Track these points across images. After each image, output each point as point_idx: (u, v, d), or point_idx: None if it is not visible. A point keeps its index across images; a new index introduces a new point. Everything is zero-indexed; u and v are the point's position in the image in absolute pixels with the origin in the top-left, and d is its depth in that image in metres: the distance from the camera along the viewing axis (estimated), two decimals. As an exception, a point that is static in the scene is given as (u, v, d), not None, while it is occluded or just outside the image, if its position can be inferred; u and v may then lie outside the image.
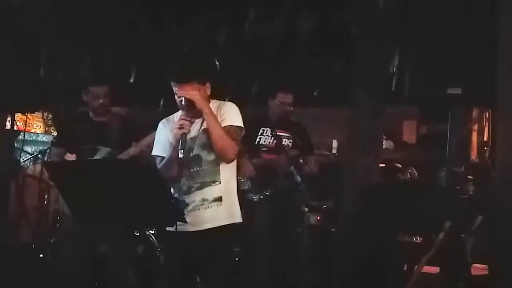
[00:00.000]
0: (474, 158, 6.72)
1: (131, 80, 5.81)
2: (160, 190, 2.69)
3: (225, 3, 5.63)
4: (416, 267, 3.89)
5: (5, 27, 5.28)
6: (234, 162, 3.16)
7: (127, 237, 4.18)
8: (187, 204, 3.06)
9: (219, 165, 3.09)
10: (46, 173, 5.24)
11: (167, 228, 3.00)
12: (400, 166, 6.01)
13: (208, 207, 3.07)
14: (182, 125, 2.94)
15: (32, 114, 7.02)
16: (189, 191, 3.08)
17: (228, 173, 3.14)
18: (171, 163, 3.01)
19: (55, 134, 4.73)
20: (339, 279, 4.59)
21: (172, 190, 2.98)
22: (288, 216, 4.42)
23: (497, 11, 3.48)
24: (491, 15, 3.56)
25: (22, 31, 5.38)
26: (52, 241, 5.36)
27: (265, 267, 4.38)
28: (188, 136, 3.03)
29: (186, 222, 2.82)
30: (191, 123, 3.00)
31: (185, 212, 2.96)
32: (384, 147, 5.44)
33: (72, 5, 5.70)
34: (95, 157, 3.98)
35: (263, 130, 4.50)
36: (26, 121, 6.61)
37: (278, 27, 5.63)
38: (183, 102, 3.01)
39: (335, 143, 6.81)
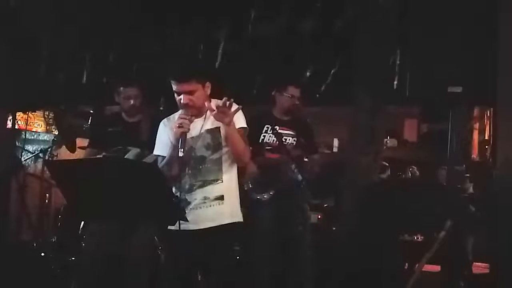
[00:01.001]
0: (475, 156, 6.72)
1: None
2: (161, 189, 2.69)
3: (227, 2, 5.64)
4: (417, 265, 3.89)
5: (7, 27, 5.29)
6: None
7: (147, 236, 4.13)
8: (189, 203, 3.07)
9: (221, 164, 3.10)
10: (47, 172, 5.25)
11: (169, 227, 3.01)
12: (400, 165, 6.01)
13: (210, 206, 3.08)
14: (181, 123, 2.95)
15: (33, 113, 7.03)
16: (191, 189, 3.09)
17: (230, 171, 3.15)
18: (172, 162, 3.02)
19: (89, 136, 4.69)
20: (340, 278, 4.59)
21: (173, 189, 2.98)
22: (289, 214, 4.41)
23: (498, 10, 3.48)
24: (491, 13, 3.56)
25: (24, 30, 5.40)
26: (53, 239, 5.37)
27: (266, 265, 4.38)
28: (189, 136, 3.04)
29: (187, 220, 2.83)
30: (191, 121, 3.00)
31: (186, 211, 2.97)
32: (388, 145, 5.44)
33: (74, 4, 5.72)
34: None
35: (267, 127, 4.48)
36: (27, 120, 6.62)
37: (279, 26, 5.63)
38: (182, 101, 3.02)
39: (336, 142, 6.82)
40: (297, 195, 4.40)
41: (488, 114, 6.54)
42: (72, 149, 5.55)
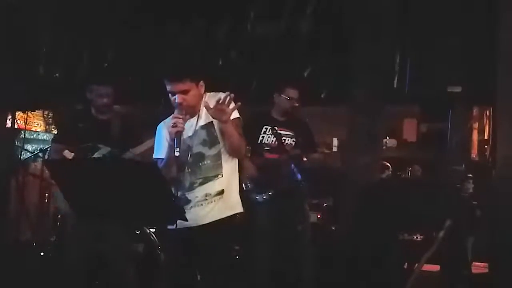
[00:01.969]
0: (474, 156, 6.72)
1: (134, 79, 5.80)
2: (161, 189, 2.69)
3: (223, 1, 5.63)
4: (416, 265, 3.89)
5: (5, 27, 5.29)
6: None
7: (126, 235, 4.18)
8: (189, 201, 3.07)
9: (221, 158, 3.10)
10: (46, 171, 5.25)
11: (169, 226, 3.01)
12: (400, 165, 6.01)
13: (212, 201, 3.07)
14: (175, 123, 2.94)
15: (32, 112, 7.02)
16: (191, 188, 3.09)
17: (230, 165, 3.14)
18: (169, 162, 3.02)
19: (56, 130, 4.71)
20: (339, 277, 4.59)
21: (173, 189, 2.98)
22: (289, 214, 4.42)
23: (497, 10, 3.48)
24: (491, 13, 3.56)
25: (22, 30, 5.39)
26: (53, 239, 5.37)
27: (266, 265, 4.39)
28: (186, 135, 3.03)
29: (186, 220, 2.83)
30: (185, 120, 2.99)
31: (186, 209, 2.97)
32: (388, 145, 5.45)
33: (71, 3, 5.71)
34: (94, 156, 3.97)
35: (266, 128, 4.49)
36: (26, 119, 6.62)
37: (279, 25, 5.63)
38: (177, 101, 3.01)
39: (335, 142, 6.82)
40: (296, 195, 4.40)
41: (488, 114, 6.54)
42: (71, 148, 5.54)
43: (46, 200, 5.97)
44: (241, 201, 3.22)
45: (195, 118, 3.10)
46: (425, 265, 3.84)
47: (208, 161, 3.09)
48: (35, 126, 7.29)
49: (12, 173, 5.82)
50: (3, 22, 5.56)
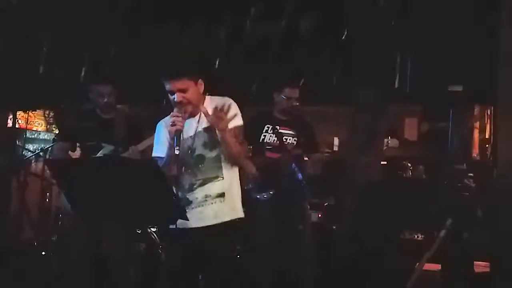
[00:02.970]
0: (475, 155, 6.72)
1: (138, 78, 5.81)
2: (162, 188, 2.69)
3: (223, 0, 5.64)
4: (417, 264, 3.89)
5: (6, 26, 5.29)
6: None
7: (128, 235, 4.18)
8: (190, 202, 3.07)
9: (221, 161, 3.10)
10: (48, 171, 5.26)
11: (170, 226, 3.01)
12: (401, 164, 6.01)
13: (212, 203, 3.08)
14: (174, 122, 2.94)
15: (33, 112, 7.03)
16: (191, 188, 3.09)
17: (230, 168, 3.14)
18: (169, 160, 3.02)
19: (60, 129, 4.72)
20: (340, 276, 4.59)
21: (173, 188, 2.98)
22: (289, 213, 4.42)
23: (498, 8, 3.47)
24: (492, 12, 3.55)
25: (23, 29, 5.39)
26: (54, 238, 5.37)
27: (267, 264, 4.39)
28: (186, 135, 3.03)
29: (187, 219, 2.83)
30: (184, 119, 2.99)
31: (187, 209, 2.97)
32: (390, 145, 5.44)
33: (72, 2, 5.71)
34: (98, 155, 3.98)
35: (268, 127, 4.49)
36: (27, 119, 6.62)
37: (280, 24, 5.63)
38: (175, 99, 3.01)
39: (336, 141, 6.82)
40: (297, 194, 4.40)
41: (489, 113, 6.54)
42: (72, 148, 5.54)
43: (47, 200, 5.98)
44: (242, 200, 3.22)
45: (196, 118, 3.10)
46: (426, 264, 3.84)
47: (208, 163, 3.09)
48: (36, 126, 7.29)
49: (13, 172, 5.82)
50: (3, 22, 5.56)
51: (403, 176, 5.95)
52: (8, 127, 6.23)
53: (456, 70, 3.72)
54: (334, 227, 5.44)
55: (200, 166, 3.09)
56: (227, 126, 2.95)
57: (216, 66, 5.69)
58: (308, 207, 4.58)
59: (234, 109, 3.07)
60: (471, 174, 4.96)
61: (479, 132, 6.80)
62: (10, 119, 6.16)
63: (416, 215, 4.13)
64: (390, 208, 4.23)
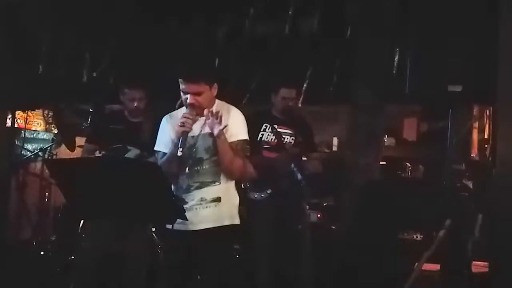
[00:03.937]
0: (474, 155, 6.72)
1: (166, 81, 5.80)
2: (161, 188, 2.69)
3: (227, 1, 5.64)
4: (416, 264, 3.89)
5: (7, 26, 5.28)
6: None
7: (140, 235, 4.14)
8: (186, 202, 3.07)
9: (219, 166, 3.09)
10: (47, 171, 5.25)
11: (166, 226, 3.02)
12: (400, 164, 6.01)
13: (206, 207, 3.07)
14: (183, 123, 2.94)
15: (32, 112, 7.02)
16: (188, 190, 3.09)
17: None
18: (171, 160, 3.02)
19: (88, 131, 4.70)
20: (340, 276, 4.59)
21: (172, 188, 2.98)
22: (288, 213, 4.41)
23: (498, 8, 3.47)
24: (491, 12, 3.56)
25: (25, 29, 5.39)
26: (53, 238, 5.37)
27: (265, 264, 4.38)
28: (190, 134, 3.03)
29: (186, 219, 2.83)
30: (194, 121, 2.99)
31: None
32: (386, 144, 5.45)
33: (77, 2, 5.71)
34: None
35: (266, 126, 4.49)
36: (26, 118, 6.61)
37: (280, 24, 5.63)
38: (188, 101, 3.01)
39: (335, 141, 6.81)
40: (296, 194, 4.40)
41: (488, 113, 6.53)
42: (71, 147, 5.55)
43: (46, 200, 5.97)
44: (240, 199, 3.22)
45: (202, 120, 3.09)
46: (425, 264, 3.84)
47: (206, 166, 3.08)
48: (35, 126, 7.28)
49: (12, 172, 5.81)
50: (4, 22, 5.55)
51: (402, 176, 5.95)
52: (7, 126, 6.22)
53: (455, 70, 3.72)
54: (333, 227, 5.43)
55: (198, 168, 3.08)
56: (220, 132, 2.95)
57: (223, 64, 5.69)
58: (307, 207, 4.58)
59: (239, 122, 3.10)
60: (470, 174, 4.96)
61: (478, 132, 6.80)
62: (9, 118, 6.15)
63: (415, 215, 4.13)
64: (389, 208, 4.23)
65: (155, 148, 3.21)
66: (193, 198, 3.07)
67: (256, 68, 5.76)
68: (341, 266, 4.63)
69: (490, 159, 5.62)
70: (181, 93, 3.05)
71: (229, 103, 3.22)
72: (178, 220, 2.85)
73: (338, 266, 4.67)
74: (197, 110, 3.01)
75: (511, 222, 3.39)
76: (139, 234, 3.94)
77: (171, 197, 2.76)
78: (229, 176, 3.11)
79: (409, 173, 6.19)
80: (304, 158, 4.55)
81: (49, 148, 5.87)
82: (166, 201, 2.72)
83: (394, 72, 5.06)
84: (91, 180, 2.66)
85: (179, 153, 2.89)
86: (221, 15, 5.77)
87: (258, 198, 4.34)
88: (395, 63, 5.07)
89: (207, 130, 3.08)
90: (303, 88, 4.88)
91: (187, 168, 3.08)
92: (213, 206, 3.07)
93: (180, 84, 3.03)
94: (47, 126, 7.37)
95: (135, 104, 4.03)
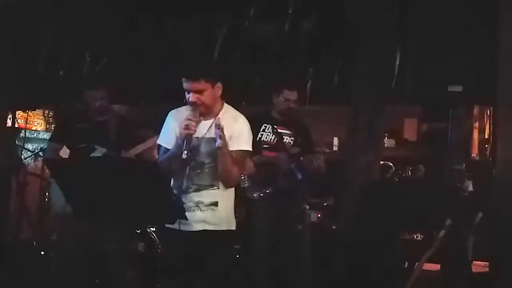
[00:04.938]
0: (475, 155, 6.73)
1: (133, 79, 5.79)
2: (162, 188, 2.70)
3: (226, 1, 5.63)
4: (416, 264, 3.89)
5: (5, 26, 5.28)
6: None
7: (126, 234, 4.18)
8: (183, 204, 3.06)
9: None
10: (47, 170, 5.25)
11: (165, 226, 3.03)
12: (400, 164, 6.01)
13: (203, 210, 3.06)
14: (187, 125, 2.93)
15: (33, 112, 7.03)
16: (186, 192, 3.07)
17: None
18: (173, 160, 3.01)
19: (53, 130, 4.73)
20: (339, 277, 4.59)
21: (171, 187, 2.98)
22: (288, 213, 4.41)
23: (499, 8, 3.47)
24: (492, 12, 3.55)
25: (23, 29, 5.38)
26: (53, 238, 5.37)
27: (265, 264, 4.38)
28: (195, 135, 3.02)
29: (186, 219, 2.83)
30: (198, 123, 2.99)
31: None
32: (386, 145, 5.46)
33: (73, 2, 5.70)
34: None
35: (265, 126, 4.49)
36: (27, 118, 6.62)
37: (280, 24, 5.63)
38: (190, 99, 3.01)
39: (335, 141, 6.83)
40: (295, 194, 4.40)
41: (488, 113, 6.54)
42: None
43: (46, 199, 5.97)
44: (241, 203, 3.21)
45: (208, 123, 3.08)
46: (425, 264, 3.84)
47: (206, 170, 3.07)
48: (36, 126, 7.29)
49: (13, 172, 5.81)
50: (3, 22, 5.55)
51: (402, 176, 5.95)
52: (8, 126, 6.23)
53: (455, 71, 3.72)
54: (334, 227, 5.43)
55: (198, 171, 3.07)
56: (223, 143, 2.94)
57: (223, 64, 5.69)
58: (307, 207, 4.58)
59: (244, 132, 3.10)
60: (471, 174, 4.97)
61: (479, 132, 6.81)
62: (10, 118, 6.15)
63: (415, 215, 4.12)
64: (389, 208, 4.22)
65: (158, 142, 3.20)
66: (190, 200, 3.06)
67: (257, 68, 5.76)
68: (341, 266, 4.63)
69: (490, 159, 5.63)
70: (185, 92, 3.04)
71: (228, 103, 3.21)
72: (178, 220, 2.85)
73: (338, 266, 4.67)
74: (200, 109, 3.00)
75: (511, 222, 3.39)
76: (119, 233, 3.96)
77: (171, 196, 2.76)
78: (223, 184, 3.10)
79: (410, 173, 6.20)
80: (303, 158, 4.54)
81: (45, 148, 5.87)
82: (166, 201, 2.72)
83: (394, 72, 5.06)
84: (91, 180, 2.66)
85: (184, 156, 2.87)
86: (221, 15, 5.76)
87: (256, 197, 4.34)
88: (396, 63, 5.06)
89: (211, 134, 3.07)
90: (307, 89, 4.87)
91: (187, 169, 3.07)
92: (209, 210, 3.06)
93: (183, 83, 3.03)
94: (47, 126, 7.38)
95: (97, 103, 4.06)
